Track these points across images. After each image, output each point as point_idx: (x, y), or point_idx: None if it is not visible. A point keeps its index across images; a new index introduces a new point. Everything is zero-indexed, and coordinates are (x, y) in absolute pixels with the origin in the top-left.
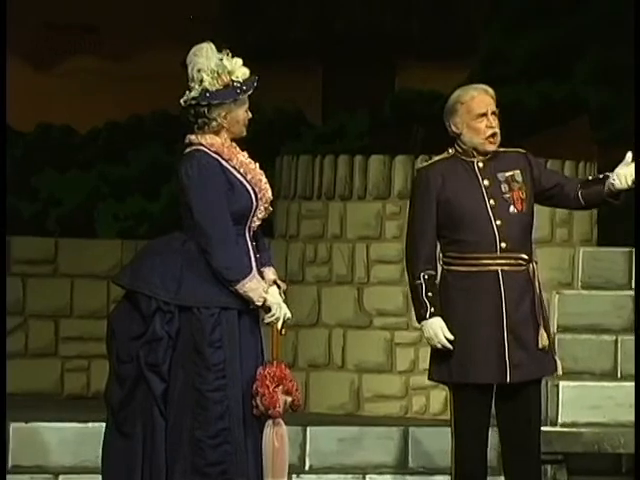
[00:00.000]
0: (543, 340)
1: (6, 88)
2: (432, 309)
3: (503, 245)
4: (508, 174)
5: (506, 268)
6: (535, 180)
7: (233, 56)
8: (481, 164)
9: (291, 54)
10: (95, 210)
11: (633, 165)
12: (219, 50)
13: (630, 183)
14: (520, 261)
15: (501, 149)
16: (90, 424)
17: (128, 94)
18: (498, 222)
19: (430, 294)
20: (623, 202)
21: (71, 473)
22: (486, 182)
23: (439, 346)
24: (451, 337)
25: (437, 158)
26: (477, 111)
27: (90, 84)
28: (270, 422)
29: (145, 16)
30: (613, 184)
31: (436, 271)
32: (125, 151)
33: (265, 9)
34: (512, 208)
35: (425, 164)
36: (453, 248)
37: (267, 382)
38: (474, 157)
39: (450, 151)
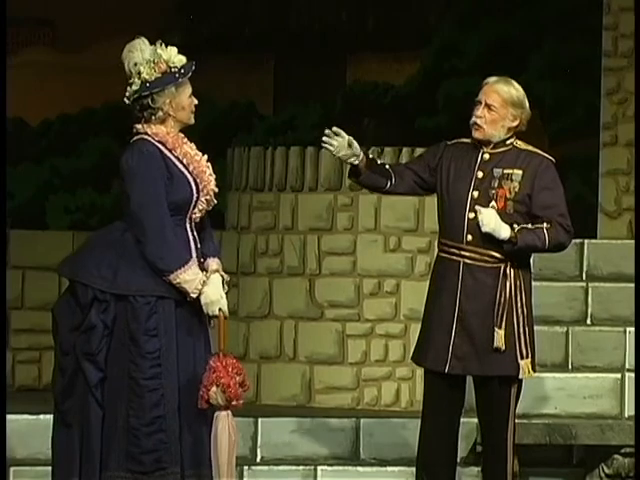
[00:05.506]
0: (498, 340)
1: (6, 88)
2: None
3: (469, 238)
4: (507, 171)
5: (469, 261)
6: (533, 188)
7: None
8: (487, 156)
9: (243, 47)
10: (46, 202)
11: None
12: (167, 44)
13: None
14: (487, 257)
15: (529, 147)
16: (42, 416)
17: (80, 86)
18: (471, 215)
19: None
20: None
21: (23, 465)
22: (480, 174)
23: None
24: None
25: (462, 140)
26: (477, 97)
27: (42, 76)
28: (224, 413)
29: (98, 9)
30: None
31: (391, 172)
32: (76, 143)
33: (219, 2)
34: (492, 204)
35: (450, 142)
36: (440, 232)
37: (230, 373)
38: (481, 147)
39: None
